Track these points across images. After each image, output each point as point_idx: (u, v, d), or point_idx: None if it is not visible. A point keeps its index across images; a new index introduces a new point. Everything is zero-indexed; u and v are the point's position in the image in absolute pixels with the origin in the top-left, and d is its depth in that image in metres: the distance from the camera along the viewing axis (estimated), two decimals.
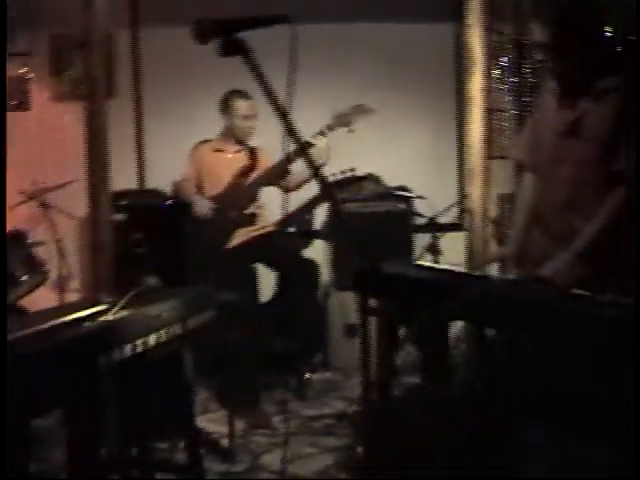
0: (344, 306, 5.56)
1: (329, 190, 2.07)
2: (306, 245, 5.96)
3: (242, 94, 5.13)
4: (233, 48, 1.97)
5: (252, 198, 5.21)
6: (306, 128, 5.02)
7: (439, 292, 2.81)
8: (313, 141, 5.00)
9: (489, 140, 4.92)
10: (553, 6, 3.28)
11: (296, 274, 5.15)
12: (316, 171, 2.13)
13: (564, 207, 3.27)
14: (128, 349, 2.66)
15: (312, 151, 4.95)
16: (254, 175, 5.22)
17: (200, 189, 5.24)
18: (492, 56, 5.44)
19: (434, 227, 5.34)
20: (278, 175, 5.17)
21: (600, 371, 2.45)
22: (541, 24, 3.27)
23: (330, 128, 5.14)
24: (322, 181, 2.05)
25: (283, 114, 1.99)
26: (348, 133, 5.14)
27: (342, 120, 5.17)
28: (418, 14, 6.27)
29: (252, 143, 5.32)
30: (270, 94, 1.99)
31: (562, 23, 3.17)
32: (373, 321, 3.54)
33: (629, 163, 3.13)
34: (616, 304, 2.51)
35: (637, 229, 4.29)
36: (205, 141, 5.36)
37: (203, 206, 5.12)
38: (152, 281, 4.85)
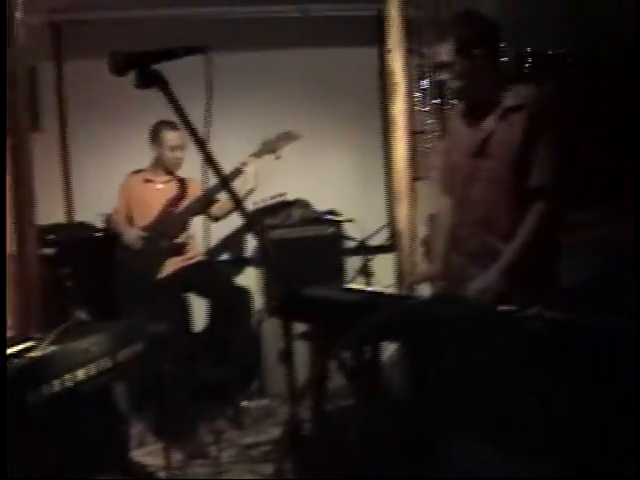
0: (278, 332, 5.54)
1: (252, 218, 2.07)
2: (237, 272, 5.95)
3: (171, 125, 5.12)
4: (149, 80, 1.97)
5: (182, 227, 5.20)
6: (232, 155, 5.08)
7: (368, 314, 2.82)
8: (241, 168, 5.03)
9: (414, 161, 4.98)
10: (453, 26, 3.36)
11: (228, 302, 5.14)
12: (240, 200, 2.13)
13: (479, 226, 3.33)
14: (57, 384, 2.63)
15: (240, 178, 4.98)
16: (183, 205, 5.22)
17: (130, 220, 5.23)
18: (414, 79, 5.50)
19: (364, 250, 5.38)
20: (206, 204, 5.17)
21: (528, 384, 2.49)
22: (439, 44, 3.32)
23: (257, 155, 5.17)
24: (245, 210, 2.06)
25: (201, 144, 1.99)
26: (275, 160, 5.17)
27: (269, 147, 5.22)
28: (342, 38, 6.32)
29: (183, 173, 5.32)
30: (188, 124, 1.99)
31: (455, 42, 3.24)
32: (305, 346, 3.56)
33: (548, 177, 3.20)
34: (541, 317, 2.55)
35: (637, 230, 4.40)
36: (136, 172, 5.36)
37: (133, 236, 5.11)
38: (81, 315, 4.79)
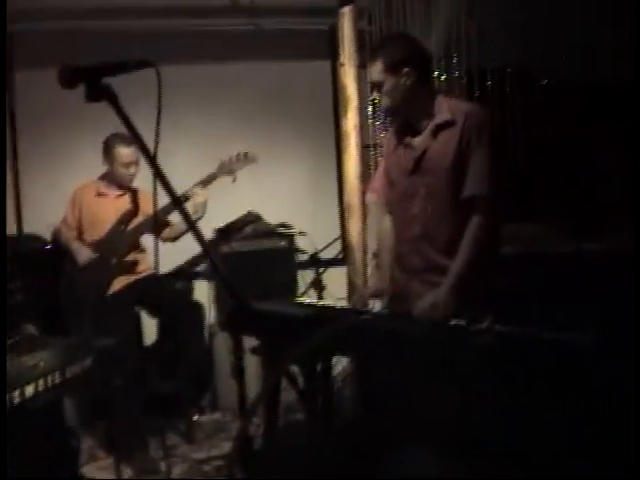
0: (230, 346, 5.53)
1: (205, 241, 2.06)
2: (189, 286, 5.91)
3: (124, 140, 5.00)
4: (98, 93, 1.95)
5: (133, 245, 5.13)
6: (183, 170, 5.05)
7: (319, 329, 2.83)
8: (188, 195, 4.97)
9: (365, 176, 5.00)
10: (382, 47, 3.45)
11: (179, 316, 5.10)
12: (193, 223, 2.12)
13: (419, 241, 3.38)
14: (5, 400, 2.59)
15: (190, 203, 4.94)
16: (136, 221, 5.14)
17: (80, 233, 5.14)
18: (366, 93, 5.53)
19: (316, 263, 5.39)
20: (158, 225, 5.10)
21: (478, 398, 2.50)
22: (371, 63, 3.40)
23: (213, 177, 5.11)
24: (199, 234, 2.05)
25: (152, 160, 1.98)
26: (232, 182, 5.16)
27: (226, 169, 5.17)
28: (296, 52, 6.34)
29: (137, 184, 5.24)
30: (138, 139, 1.98)
31: (384, 61, 3.32)
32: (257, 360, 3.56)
33: (480, 188, 3.23)
34: (491, 331, 2.58)
35: (637, 232, 4.46)
36: (87, 184, 5.25)
37: (84, 257, 5.01)
38: (30, 329, 4.73)
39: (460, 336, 2.63)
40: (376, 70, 3.33)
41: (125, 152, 5.05)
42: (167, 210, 4.85)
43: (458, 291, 3.21)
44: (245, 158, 5.24)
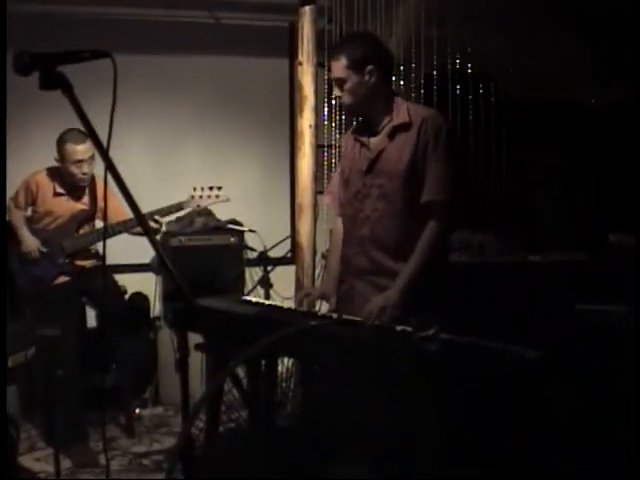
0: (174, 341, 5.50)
1: (150, 233, 2.03)
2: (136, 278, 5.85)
3: (76, 136, 4.74)
4: (53, 81, 1.91)
5: (85, 250, 4.98)
6: (137, 164, 5.00)
7: (265, 328, 2.81)
8: (157, 220, 4.80)
9: (317, 175, 5.00)
10: (345, 44, 3.45)
11: (124, 308, 5.04)
12: (154, 241, 2.08)
13: (366, 243, 3.36)
14: None
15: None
16: (91, 225, 5.01)
17: (30, 221, 4.96)
18: (323, 93, 5.53)
19: (265, 261, 5.37)
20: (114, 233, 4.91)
21: (423, 404, 2.51)
22: (333, 61, 3.38)
23: (179, 208, 4.95)
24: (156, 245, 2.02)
25: (104, 152, 1.94)
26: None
27: (195, 204, 4.98)
28: (254, 48, 6.32)
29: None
30: (90, 130, 1.94)
31: (347, 58, 3.30)
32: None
33: (440, 194, 3.24)
34: (436, 339, 2.58)
35: (637, 236, 4.50)
36: (45, 181, 4.97)
37: (32, 246, 4.82)
38: None
39: (405, 342, 2.63)
40: (339, 66, 3.31)
41: (76, 149, 4.79)
42: (132, 225, 4.70)
43: (407, 295, 3.20)
44: (217, 197, 5.05)
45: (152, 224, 4.78)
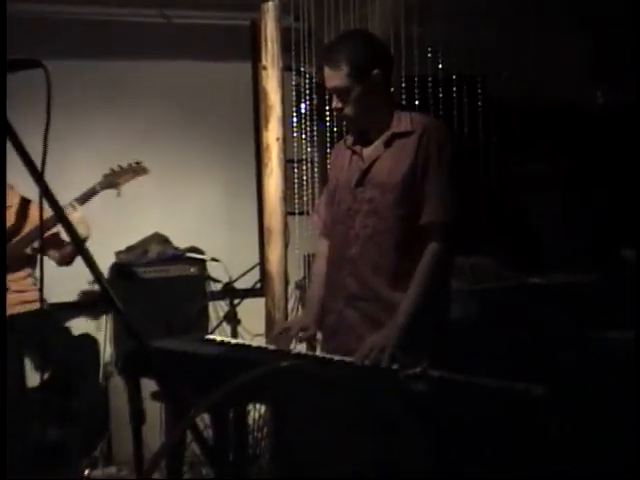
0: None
1: (94, 263, 2.02)
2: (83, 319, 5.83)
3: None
4: None
5: (18, 261, 4.99)
6: (79, 183, 4.99)
7: (231, 371, 2.81)
8: (67, 211, 4.82)
9: (287, 195, 4.99)
10: (345, 47, 3.37)
11: (71, 354, 5.01)
12: (81, 244, 2.07)
13: (357, 264, 3.35)
14: None
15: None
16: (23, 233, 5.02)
17: None
18: (291, 101, 5.54)
19: (231, 293, 5.37)
20: (48, 244, 4.95)
21: (411, 451, 2.52)
22: (330, 67, 3.34)
23: (93, 192, 4.99)
24: (88, 255, 2.00)
25: (34, 171, 1.93)
26: (118, 197, 5.05)
27: (109, 182, 5.05)
28: (212, 51, 6.31)
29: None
30: (18, 146, 1.92)
31: (350, 64, 3.26)
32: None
33: (443, 214, 3.24)
34: (425, 377, 2.59)
35: (638, 241, 4.53)
36: None
37: None
38: None
39: (390, 382, 2.64)
40: (340, 75, 3.26)
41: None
42: (52, 221, 4.72)
43: (409, 330, 3.16)
44: (133, 170, 5.14)
45: (69, 210, 4.83)
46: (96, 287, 5.86)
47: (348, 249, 3.38)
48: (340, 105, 3.33)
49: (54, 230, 4.97)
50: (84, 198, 4.99)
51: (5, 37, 3.88)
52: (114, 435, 5.55)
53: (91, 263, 1.99)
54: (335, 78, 3.29)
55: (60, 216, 2.01)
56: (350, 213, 3.39)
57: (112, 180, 5.08)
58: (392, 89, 3.59)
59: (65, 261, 5.10)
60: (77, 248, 2.02)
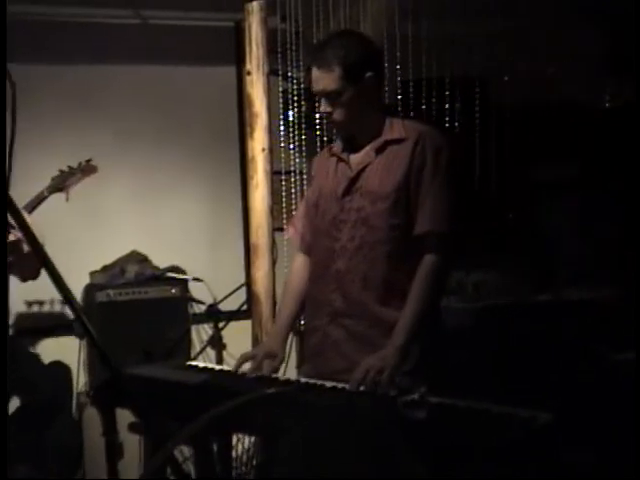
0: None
1: (61, 280, 2.01)
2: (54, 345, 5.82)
3: None
4: None
5: None
6: (51, 204, 4.97)
7: (216, 400, 2.82)
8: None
9: (275, 209, 5.00)
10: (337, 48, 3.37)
11: (41, 383, 5.00)
12: (44, 254, 2.05)
13: (345, 279, 3.36)
14: None
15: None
16: None
17: None
18: (277, 108, 5.55)
19: (215, 315, 5.36)
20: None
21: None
22: (321, 70, 3.34)
23: (41, 198, 4.97)
24: (51, 265, 1.99)
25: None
26: (67, 202, 5.04)
27: (56, 185, 5.04)
28: (193, 54, 6.29)
29: None
30: None
31: (343, 66, 3.28)
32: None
33: (439, 224, 3.27)
34: (424, 403, 2.60)
35: (638, 240, 4.54)
36: None
37: None
38: None
39: (387, 409, 2.65)
40: (332, 77, 3.27)
41: None
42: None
43: (407, 350, 3.18)
44: (82, 169, 5.15)
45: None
46: (68, 310, 5.88)
47: (333, 263, 3.39)
48: (329, 109, 3.35)
49: (12, 238, 4.95)
50: (32, 205, 4.98)
51: (5, 37, 3.91)
52: (88, 472, 5.53)
53: (57, 278, 1.98)
54: (326, 80, 3.30)
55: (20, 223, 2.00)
56: (336, 224, 3.40)
57: (59, 183, 5.09)
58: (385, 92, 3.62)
59: (27, 274, 5.08)
60: (38, 256, 2.00)
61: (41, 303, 5.69)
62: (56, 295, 5.20)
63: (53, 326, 5.75)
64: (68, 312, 5.62)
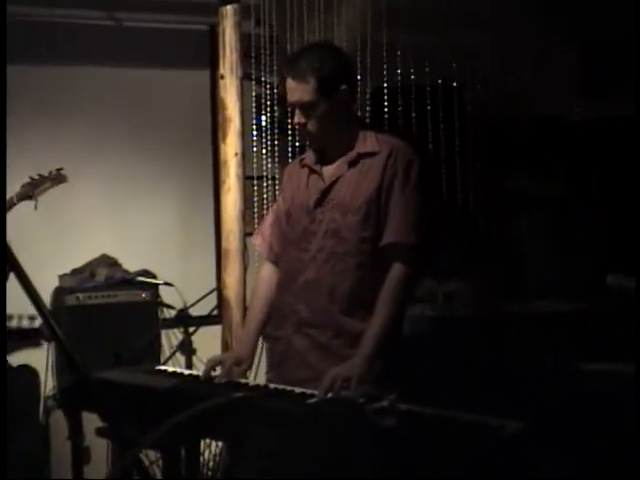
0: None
1: (30, 288, 2.00)
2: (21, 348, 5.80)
3: None
4: None
5: None
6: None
7: (183, 405, 2.82)
8: None
9: (247, 214, 5.00)
10: (312, 60, 3.39)
11: (7, 387, 4.97)
12: (16, 262, 2.06)
13: (312, 289, 3.38)
14: None
15: None
16: None
17: None
18: (251, 113, 5.55)
19: (185, 321, 5.36)
20: None
21: None
22: (296, 80, 3.36)
23: (10, 205, 4.95)
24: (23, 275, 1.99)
25: None
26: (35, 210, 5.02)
27: (25, 193, 5.02)
28: (166, 57, 6.30)
29: None
30: None
31: (318, 78, 3.30)
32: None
33: (407, 235, 3.29)
34: (393, 410, 2.60)
35: (638, 240, 4.56)
36: None
37: None
38: None
39: (355, 417, 2.65)
40: (307, 89, 3.30)
41: None
42: None
43: (375, 359, 3.20)
44: (52, 178, 5.13)
45: None
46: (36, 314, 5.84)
47: (301, 273, 3.41)
48: (303, 120, 3.36)
49: None
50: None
51: (5, 37, 3.92)
52: (54, 475, 5.51)
53: (25, 281, 1.98)
54: (300, 92, 3.33)
55: None
56: (306, 235, 3.43)
57: (29, 191, 5.07)
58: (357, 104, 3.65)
59: None
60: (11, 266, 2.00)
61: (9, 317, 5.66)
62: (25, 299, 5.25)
63: (22, 330, 5.72)
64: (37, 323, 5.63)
